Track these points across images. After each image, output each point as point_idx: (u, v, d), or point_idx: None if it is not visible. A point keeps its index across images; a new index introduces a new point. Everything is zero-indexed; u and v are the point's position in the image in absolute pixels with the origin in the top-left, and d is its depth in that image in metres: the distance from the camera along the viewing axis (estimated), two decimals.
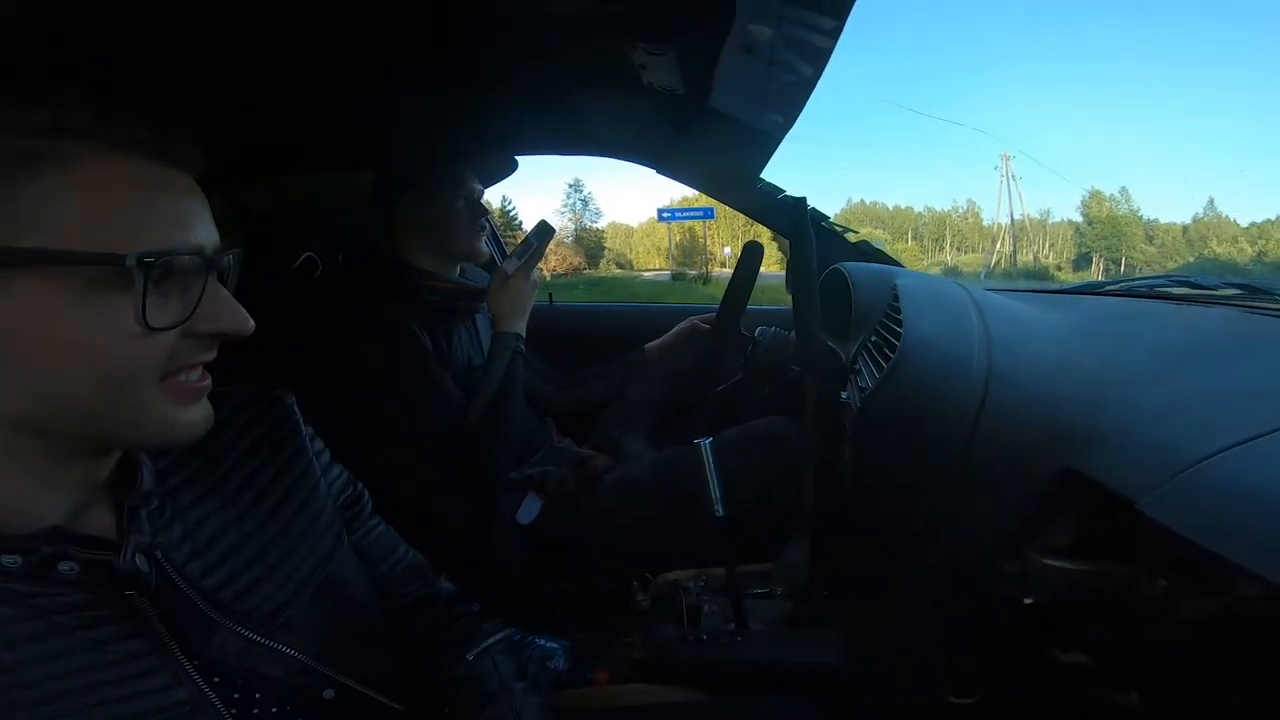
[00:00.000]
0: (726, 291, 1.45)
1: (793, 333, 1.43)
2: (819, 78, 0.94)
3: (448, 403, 1.41)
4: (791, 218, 0.95)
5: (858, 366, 1.00)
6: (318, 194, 1.96)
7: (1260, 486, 0.47)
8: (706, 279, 26.49)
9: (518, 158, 1.66)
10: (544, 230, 1.50)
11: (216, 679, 0.56)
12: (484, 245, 1.58)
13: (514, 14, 0.96)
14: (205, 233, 0.54)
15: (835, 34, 0.84)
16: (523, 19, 0.97)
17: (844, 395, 1.03)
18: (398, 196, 1.52)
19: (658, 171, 1.84)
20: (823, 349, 1.20)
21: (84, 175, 0.49)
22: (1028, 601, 0.69)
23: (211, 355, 0.56)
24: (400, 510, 0.90)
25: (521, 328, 1.48)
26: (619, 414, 1.85)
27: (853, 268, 1.18)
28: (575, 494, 1.54)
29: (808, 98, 1.00)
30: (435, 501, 1.45)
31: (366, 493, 0.83)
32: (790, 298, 1.91)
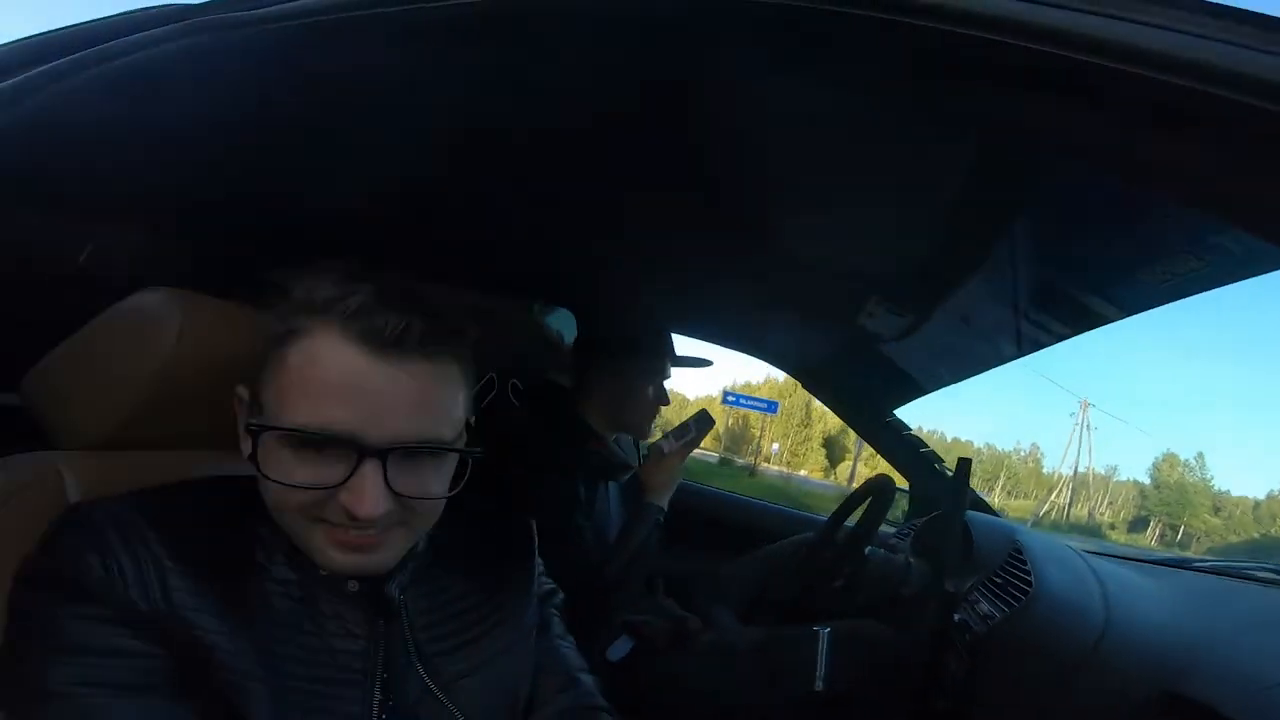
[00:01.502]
0: (839, 514, 1.66)
1: (899, 557, 1.63)
2: (1016, 359, 1.15)
3: (584, 555, 1.56)
4: (953, 483, 1.12)
5: (974, 597, 1.20)
6: (513, 323, 2.09)
7: None
8: (753, 472, 26.45)
9: None
10: (704, 420, 1.73)
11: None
12: (651, 427, 1.74)
13: (791, 252, 1.18)
14: (370, 419, 0.58)
15: (1062, 337, 1.05)
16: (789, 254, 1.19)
17: (957, 618, 1.22)
18: (598, 362, 1.67)
19: (801, 383, 2.11)
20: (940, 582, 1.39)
21: (301, 351, 0.59)
22: None
23: (363, 525, 0.59)
24: None
25: (665, 502, 1.69)
26: (706, 586, 2.01)
27: (973, 516, 1.40)
28: (668, 647, 1.68)
29: (990, 369, 1.21)
30: None
31: (561, 596, 0.88)
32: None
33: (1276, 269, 0.87)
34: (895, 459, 2.08)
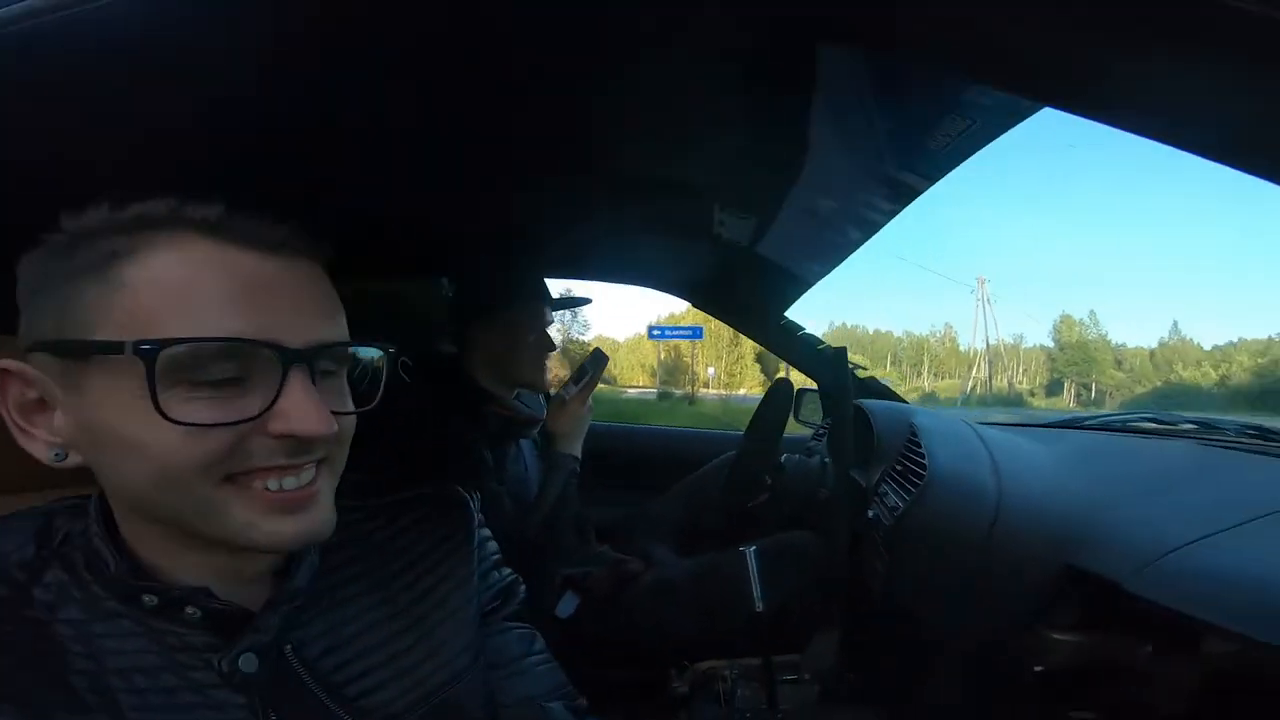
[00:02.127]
0: (754, 426, 1.64)
1: (814, 459, 1.62)
2: (865, 242, 1.17)
3: (503, 520, 1.50)
4: (832, 370, 1.15)
5: (882, 490, 1.20)
6: (401, 298, 2.05)
7: (1222, 566, 0.67)
8: (692, 400, 26.93)
9: None
10: (599, 359, 1.72)
11: None
12: (546, 377, 1.69)
13: (622, 172, 1.16)
14: (284, 322, 0.49)
15: (892, 214, 1.08)
16: (624, 177, 1.17)
17: (870, 514, 1.22)
18: (474, 319, 1.63)
19: (692, 304, 2.09)
20: (847, 477, 1.39)
21: (151, 265, 0.47)
22: (1038, 669, 0.85)
23: (301, 459, 0.51)
24: None
25: (578, 450, 1.66)
26: (640, 525, 2.02)
27: (871, 405, 1.40)
28: (612, 593, 1.67)
29: (849, 255, 1.24)
30: None
31: (522, 592, 0.78)
32: (798, 425, 2.13)
33: (1031, 114, 0.90)
34: (797, 361, 2.08)
